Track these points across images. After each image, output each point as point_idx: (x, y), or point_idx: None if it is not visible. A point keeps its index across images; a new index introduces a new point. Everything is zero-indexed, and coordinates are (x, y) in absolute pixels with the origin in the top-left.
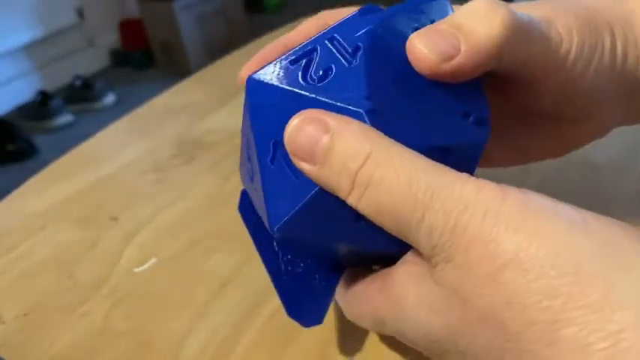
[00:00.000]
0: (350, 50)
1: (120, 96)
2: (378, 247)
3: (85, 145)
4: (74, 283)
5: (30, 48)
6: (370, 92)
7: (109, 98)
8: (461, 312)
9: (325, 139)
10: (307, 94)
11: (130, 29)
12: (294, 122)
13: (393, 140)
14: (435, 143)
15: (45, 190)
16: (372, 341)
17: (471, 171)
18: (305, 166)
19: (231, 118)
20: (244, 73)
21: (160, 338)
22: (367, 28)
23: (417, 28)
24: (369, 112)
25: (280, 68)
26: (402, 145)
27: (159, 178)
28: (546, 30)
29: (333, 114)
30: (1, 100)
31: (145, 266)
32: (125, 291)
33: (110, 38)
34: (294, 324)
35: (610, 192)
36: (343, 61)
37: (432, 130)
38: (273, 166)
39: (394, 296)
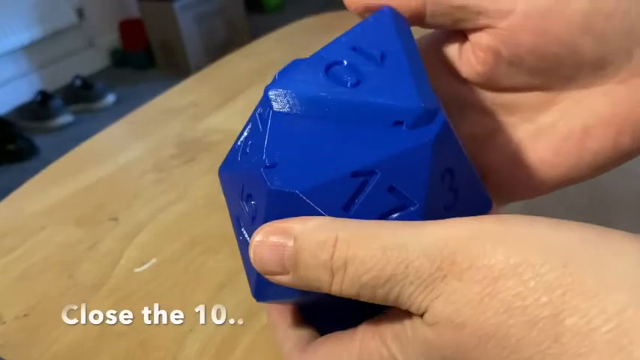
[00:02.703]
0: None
1: (120, 96)
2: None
3: (85, 145)
4: (74, 284)
5: (30, 48)
6: (269, 151)
7: (109, 98)
8: (458, 342)
9: (290, 243)
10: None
11: (130, 29)
12: (255, 239)
13: (353, 219)
14: (353, 168)
15: (45, 190)
16: None
17: (425, 180)
18: (281, 279)
19: (231, 118)
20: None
21: (160, 338)
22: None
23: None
24: (265, 169)
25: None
26: (361, 220)
27: (159, 178)
28: None
29: (288, 220)
30: (2, 100)
31: (145, 266)
32: (125, 291)
33: (110, 38)
34: None
35: (610, 194)
36: (260, 126)
37: (349, 156)
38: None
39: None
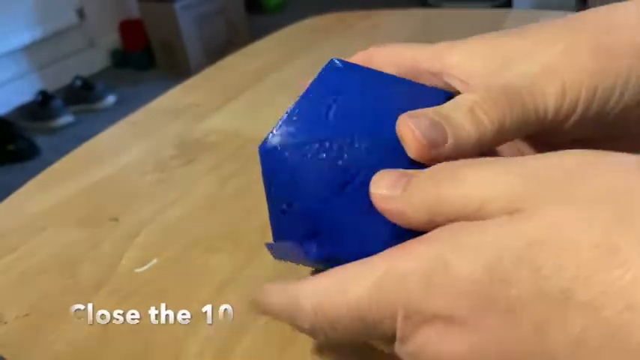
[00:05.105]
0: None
1: (120, 96)
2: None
3: (86, 145)
4: (75, 284)
5: (30, 48)
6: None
7: (110, 99)
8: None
9: None
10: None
11: (131, 30)
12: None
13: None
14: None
15: (46, 190)
16: None
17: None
18: None
19: (231, 119)
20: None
21: (162, 339)
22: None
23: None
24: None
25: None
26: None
27: (159, 178)
28: (539, 96)
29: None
30: (2, 101)
31: (146, 267)
32: (126, 291)
33: (110, 39)
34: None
35: None
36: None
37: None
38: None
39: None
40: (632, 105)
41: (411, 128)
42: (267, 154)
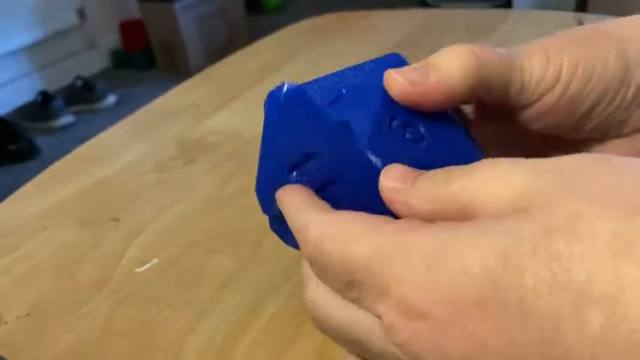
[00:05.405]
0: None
1: (120, 97)
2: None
3: (86, 145)
4: (76, 284)
5: (31, 49)
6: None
7: (110, 99)
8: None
9: None
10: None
11: (131, 30)
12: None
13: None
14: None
15: (46, 190)
16: None
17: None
18: None
19: (231, 119)
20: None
21: (162, 338)
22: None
23: None
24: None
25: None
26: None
27: (160, 179)
28: (526, 60)
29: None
30: (3, 101)
31: (146, 267)
32: (126, 291)
33: (111, 39)
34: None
35: None
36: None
37: None
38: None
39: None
40: (613, 86)
41: (393, 77)
42: (292, 96)
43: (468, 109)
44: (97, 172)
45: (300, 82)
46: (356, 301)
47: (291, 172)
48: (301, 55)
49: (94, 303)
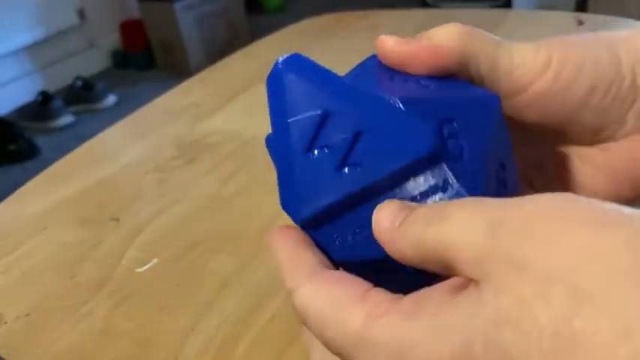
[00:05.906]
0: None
1: (120, 97)
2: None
3: (86, 145)
4: (76, 284)
5: (31, 49)
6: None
7: (110, 99)
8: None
9: None
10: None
11: (131, 30)
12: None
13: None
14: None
15: (46, 190)
16: None
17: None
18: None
19: (231, 119)
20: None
21: (162, 338)
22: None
23: None
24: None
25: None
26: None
27: (160, 179)
28: (515, 45)
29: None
30: (3, 101)
31: (147, 267)
32: (127, 291)
33: (111, 39)
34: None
35: None
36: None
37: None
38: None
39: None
40: (603, 85)
41: (385, 38)
42: (290, 60)
43: None
44: (97, 172)
45: None
46: None
47: (310, 149)
48: None
49: (94, 303)
